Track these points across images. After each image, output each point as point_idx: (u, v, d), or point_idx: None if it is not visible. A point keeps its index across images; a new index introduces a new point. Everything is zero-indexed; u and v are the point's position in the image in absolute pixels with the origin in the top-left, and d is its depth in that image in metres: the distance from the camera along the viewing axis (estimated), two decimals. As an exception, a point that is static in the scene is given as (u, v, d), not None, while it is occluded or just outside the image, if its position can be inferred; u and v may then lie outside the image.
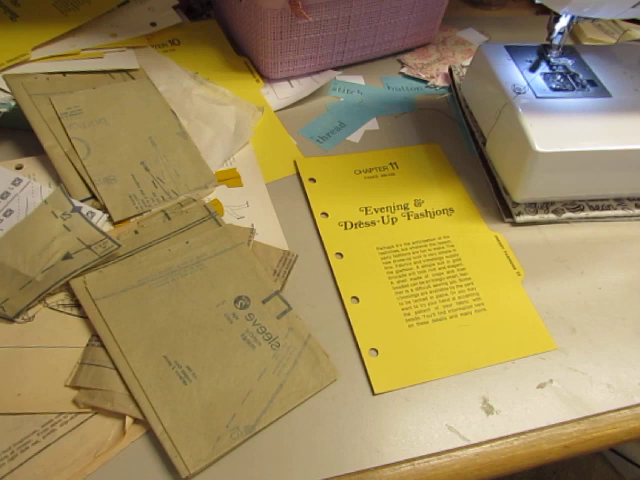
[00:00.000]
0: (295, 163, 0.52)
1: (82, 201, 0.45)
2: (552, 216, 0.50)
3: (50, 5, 0.58)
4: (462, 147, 0.56)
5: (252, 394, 0.36)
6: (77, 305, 0.39)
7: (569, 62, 0.53)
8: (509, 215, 0.49)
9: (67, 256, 0.40)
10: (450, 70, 0.64)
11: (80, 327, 0.39)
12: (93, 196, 0.46)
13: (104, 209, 0.45)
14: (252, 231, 0.45)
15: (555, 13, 0.48)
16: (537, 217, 0.49)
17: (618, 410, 0.39)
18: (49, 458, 0.33)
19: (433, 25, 0.66)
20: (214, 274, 0.41)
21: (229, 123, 0.53)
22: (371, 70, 0.64)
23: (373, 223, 0.48)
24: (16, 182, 0.45)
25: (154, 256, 0.42)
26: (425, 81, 0.64)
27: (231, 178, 0.50)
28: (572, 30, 0.74)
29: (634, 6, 0.43)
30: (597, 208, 0.51)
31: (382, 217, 0.48)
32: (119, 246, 0.41)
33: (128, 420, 0.34)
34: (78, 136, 0.48)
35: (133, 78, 0.55)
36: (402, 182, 0.52)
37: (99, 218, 0.44)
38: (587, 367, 0.41)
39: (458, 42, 0.70)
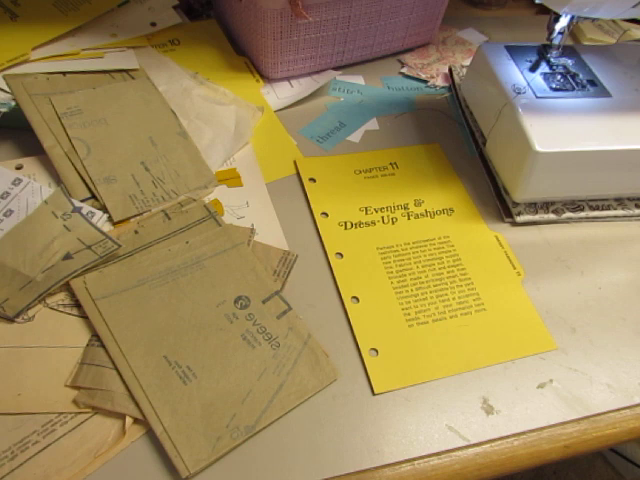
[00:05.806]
0: (295, 163, 0.52)
1: (82, 201, 0.45)
2: (552, 216, 0.50)
3: (50, 5, 0.58)
4: (462, 147, 0.56)
5: (252, 394, 0.36)
6: (77, 305, 0.39)
7: (569, 62, 0.53)
8: (509, 215, 0.49)
9: (67, 256, 0.40)
10: (450, 70, 0.64)
11: (80, 327, 0.39)
12: (93, 196, 0.46)
13: (104, 209, 0.45)
14: (252, 231, 0.45)
15: (555, 13, 0.48)
16: (537, 217, 0.49)
17: (618, 410, 0.39)
18: (49, 458, 0.33)
19: (433, 25, 0.66)
20: (214, 274, 0.41)
21: (229, 123, 0.53)
22: (371, 70, 0.64)
23: (373, 223, 0.48)
24: (16, 182, 0.45)
25: (154, 256, 0.42)
26: (425, 81, 0.64)
27: (231, 178, 0.50)
28: (572, 30, 0.74)
29: (634, 6, 0.43)
30: (597, 208, 0.51)
31: (382, 217, 0.48)
32: (119, 246, 0.41)
33: (128, 420, 0.34)
34: (78, 136, 0.48)
35: (133, 78, 0.55)
36: (402, 182, 0.52)
37: (99, 218, 0.44)
38: (587, 367, 0.41)
39: (458, 42, 0.70)
